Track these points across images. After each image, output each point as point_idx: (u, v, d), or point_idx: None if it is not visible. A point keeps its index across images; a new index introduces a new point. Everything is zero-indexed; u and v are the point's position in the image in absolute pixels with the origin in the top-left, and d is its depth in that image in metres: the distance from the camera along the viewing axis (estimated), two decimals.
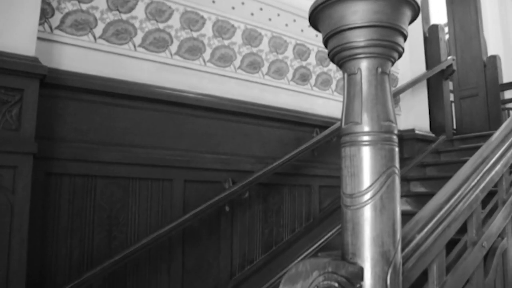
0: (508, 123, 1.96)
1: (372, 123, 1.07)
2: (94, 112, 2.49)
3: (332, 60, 1.17)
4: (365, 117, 1.07)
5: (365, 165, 1.07)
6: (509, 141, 1.86)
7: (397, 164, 1.09)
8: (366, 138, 1.07)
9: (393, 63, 1.14)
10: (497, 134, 1.90)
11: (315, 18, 1.17)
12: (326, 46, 1.18)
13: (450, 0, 6.43)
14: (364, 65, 1.08)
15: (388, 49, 1.09)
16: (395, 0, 1.06)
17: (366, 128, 1.07)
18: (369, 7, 1.05)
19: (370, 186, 1.06)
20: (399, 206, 1.10)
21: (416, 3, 1.11)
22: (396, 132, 1.11)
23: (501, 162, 1.77)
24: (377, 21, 1.05)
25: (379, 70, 1.08)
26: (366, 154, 1.07)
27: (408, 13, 1.11)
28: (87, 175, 2.42)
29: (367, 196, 1.06)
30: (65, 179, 2.35)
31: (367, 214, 1.06)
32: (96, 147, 2.47)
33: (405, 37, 1.13)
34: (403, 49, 1.14)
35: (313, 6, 1.13)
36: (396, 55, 1.12)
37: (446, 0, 6.49)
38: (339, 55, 1.12)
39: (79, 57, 2.50)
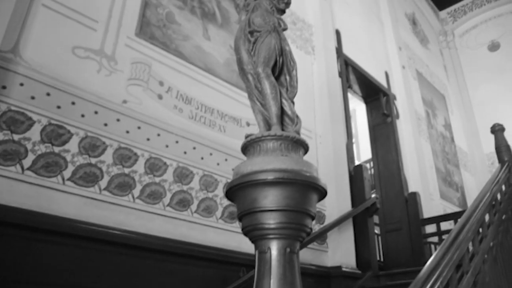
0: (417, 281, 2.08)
1: None
2: (9, 246, 2.36)
3: (246, 235, 1.24)
4: None
5: None
6: None
7: None
8: None
9: (301, 242, 1.22)
10: None
11: (232, 195, 1.26)
12: (240, 221, 1.25)
13: (373, 139, 7.03)
14: (273, 245, 1.15)
15: (296, 231, 1.17)
16: (303, 187, 1.17)
17: None
18: (279, 192, 1.15)
19: None
20: None
21: (323, 188, 1.23)
22: None
23: None
24: (286, 205, 1.15)
25: (288, 250, 1.15)
26: None
27: (315, 197, 1.23)
28: None
29: None
30: None
31: None
32: (5, 285, 2.30)
33: (313, 218, 1.23)
34: (311, 229, 1.23)
35: (229, 186, 1.22)
36: (304, 235, 1.21)
37: (370, 139, 7.08)
38: (251, 234, 1.20)
39: (2, 188, 2.44)
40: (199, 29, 3.97)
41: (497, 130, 4.48)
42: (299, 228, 1.18)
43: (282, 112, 1.37)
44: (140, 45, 3.42)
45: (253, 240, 1.21)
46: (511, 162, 4.26)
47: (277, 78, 1.45)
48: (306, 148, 1.31)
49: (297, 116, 1.39)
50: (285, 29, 1.60)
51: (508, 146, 4.41)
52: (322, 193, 1.24)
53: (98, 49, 3.17)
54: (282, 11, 1.67)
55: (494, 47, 10.36)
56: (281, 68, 1.47)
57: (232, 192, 1.24)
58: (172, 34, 3.69)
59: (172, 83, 3.53)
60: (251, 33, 1.53)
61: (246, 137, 1.30)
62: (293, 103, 1.43)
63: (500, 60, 10.07)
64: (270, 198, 1.15)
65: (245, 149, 1.30)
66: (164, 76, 3.49)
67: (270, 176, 1.14)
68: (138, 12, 3.51)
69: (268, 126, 1.36)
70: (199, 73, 3.79)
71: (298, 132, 1.34)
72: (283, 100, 1.39)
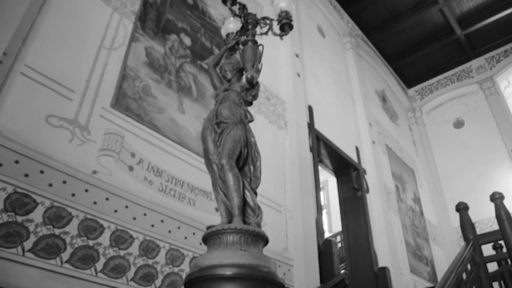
0: None
1: None
2: None
3: None
4: None
5: None
6: None
7: None
8: None
9: None
10: None
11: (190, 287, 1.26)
12: None
13: (344, 213, 7.08)
14: None
15: None
16: (261, 282, 1.19)
17: None
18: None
19: None
20: None
21: (280, 283, 1.25)
22: None
23: None
24: None
25: None
26: None
27: None
28: None
29: None
30: None
31: None
32: None
33: None
34: None
35: (188, 278, 1.23)
36: None
37: (340, 213, 7.13)
38: None
39: None
40: (175, 103, 4.07)
41: (462, 209, 4.58)
42: None
43: (244, 203, 1.41)
44: (114, 116, 3.47)
45: None
46: (476, 240, 4.34)
47: (241, 168, 1.50)
48: (266, 241, 1.34)
49: (258, 208, 1.43)
50: (251, 121, 1.68)
51: (472, 224, 4.49)
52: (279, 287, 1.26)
53: (72, 118, 3.21)
54: (250, 103, 1.76)
55: (459, 124, 10.84)
56: (245, 159, 1.53)
57: (190, 284, 1.24)
58: (148, 106, 3.77)
59: (144, 155, 3.56)
60: (218, 124, 1.60)
61: (207, 228, 1.33)
62: (255, 194, 1.47)
63: (465, 137, 10.51)
64: None
65: (206, 240, 1.33)
66: (136, 147, 3.53)
67: (228, 272, 1.15)
68: (115, 84, 3.59)
69: (230, 216, 1.39)
70: (172, 146, 3.84)
71: (259, 224, 1.38)
72: (246, 192, 1.43)
